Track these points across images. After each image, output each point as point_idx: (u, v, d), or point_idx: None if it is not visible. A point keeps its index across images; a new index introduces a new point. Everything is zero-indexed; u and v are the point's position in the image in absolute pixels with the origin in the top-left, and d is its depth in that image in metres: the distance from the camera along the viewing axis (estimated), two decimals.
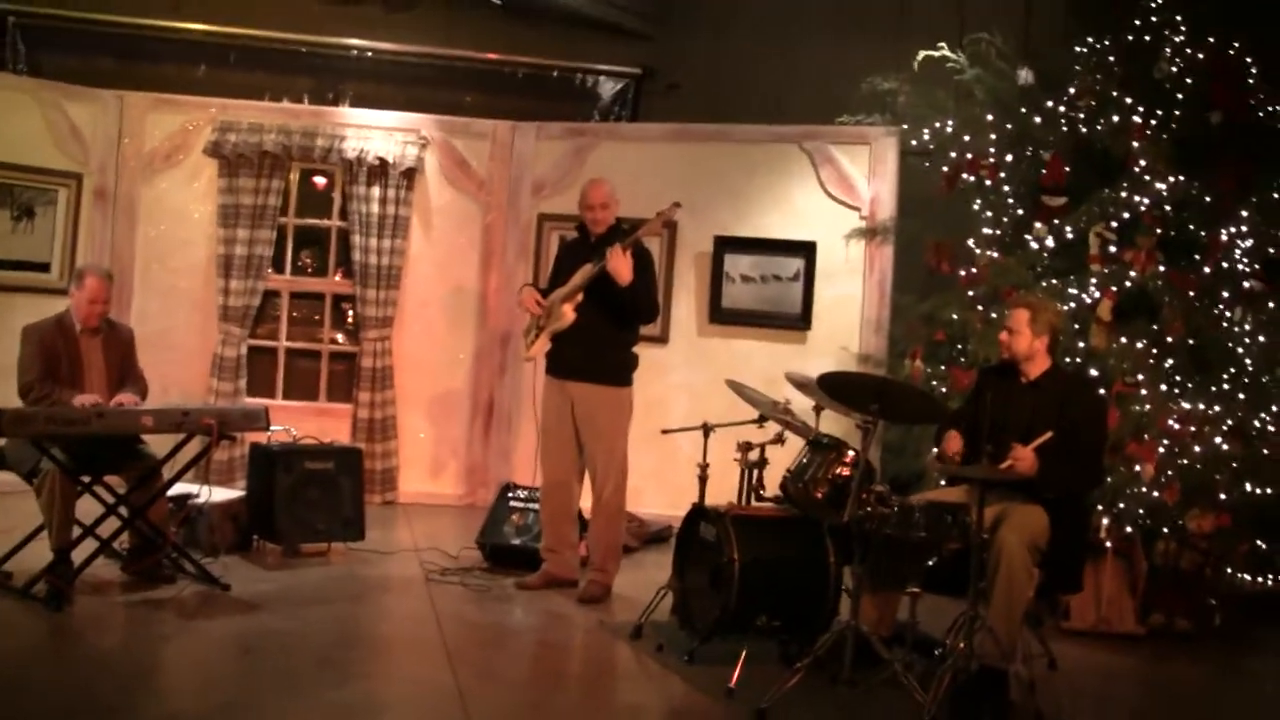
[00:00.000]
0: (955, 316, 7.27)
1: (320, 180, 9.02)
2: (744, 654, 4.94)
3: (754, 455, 5.66)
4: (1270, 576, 6.78)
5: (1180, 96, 7.06)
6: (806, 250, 8.39)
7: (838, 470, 5.06)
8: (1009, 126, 7.33)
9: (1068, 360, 6.67)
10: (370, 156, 8.63)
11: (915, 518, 4.80)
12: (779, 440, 5.73)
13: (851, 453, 5.09)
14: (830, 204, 8.38)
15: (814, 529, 5.27)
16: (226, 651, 5.14)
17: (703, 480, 5.93)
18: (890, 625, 5.29)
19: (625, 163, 8.68)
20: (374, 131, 8.75)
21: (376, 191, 8.69)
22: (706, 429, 5.95)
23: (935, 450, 5.38)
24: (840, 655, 4.81)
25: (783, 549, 5.25)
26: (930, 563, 4.93)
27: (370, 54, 9.61)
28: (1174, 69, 7.06)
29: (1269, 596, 6.80)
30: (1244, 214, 6.78)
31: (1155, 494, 6.28)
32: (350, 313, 8.98)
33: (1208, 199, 6.85)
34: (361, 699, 4.63)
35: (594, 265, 6.16)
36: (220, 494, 6.96)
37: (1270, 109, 7.01)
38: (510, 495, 7.10)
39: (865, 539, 4.87)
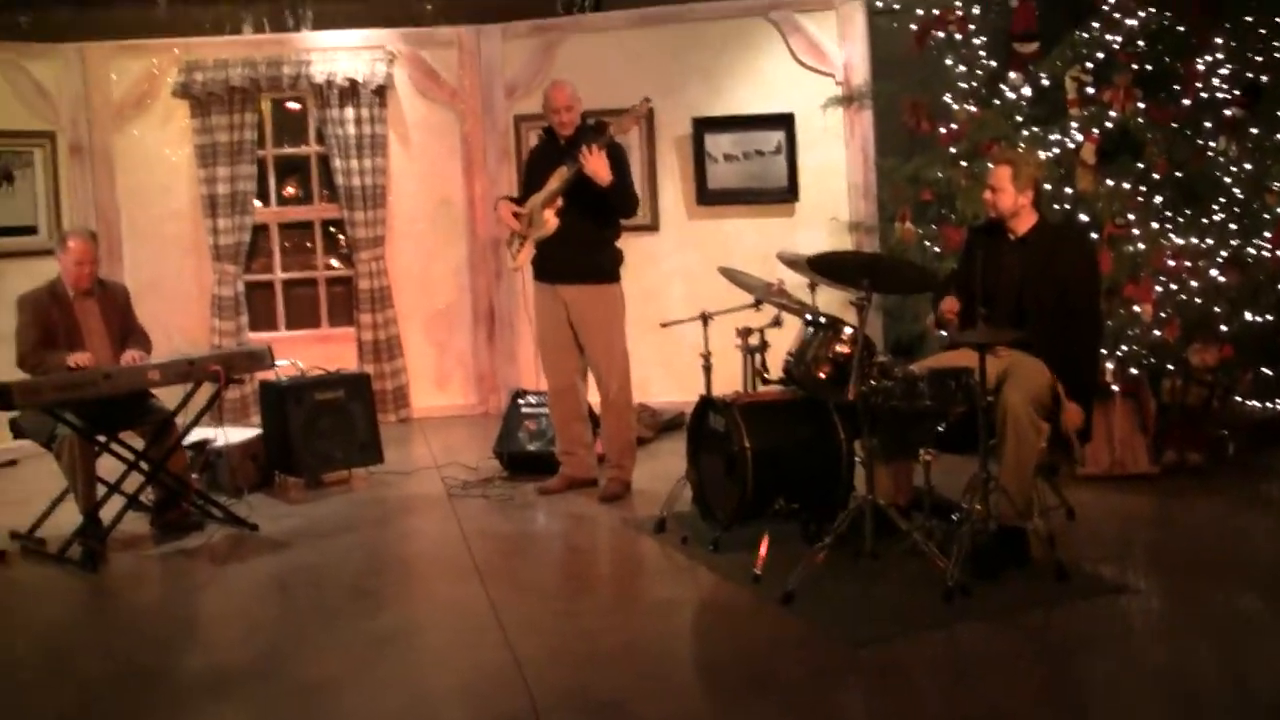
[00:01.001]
0: (940, 175, 7.24)
1: (294, 105, 8.95)
2: (765, 539, 5.04)
3: (754, 340, 5.71)
4: (1276, 401, 6.84)
5: None
6: (785, 122, 8.34)
7: (838, 348, 5.11)
8: None
9: (1056, 207, 6.67)
10: (339, 78, 8.55)
11: (919, 387, 4.83)
12: (776, 323, 5.76)
13: (850, 329, 5.12)
14: (804, 73, 8.30)
15: (821, 408, 5.32)
16: (262, 593, 5.25)
17: (707, 370, 5.98)
18: (907, 494, 5.37)
19: (594, 54, 8.62)
20: (339, 53, 8.65)
21: (350, 113, 8.62)
22: (705, 318, 5.99)
23: (933, 315, 5.42)
24: (860, 530, 4.91)
25: (792, 431, 5.32)
26: (940, 428, 5.03)
27: None
28: None
29: (1276, 421, 6.88)
30: (1219, 41, 6.69)
31: (1157, 333, 6.33)
32: (341, 237, 8.97)
33: (1180, 29, 6.76)
34: (399, 625, 4.75)
35: (569, 169, 6.13)
36: (237, 434, 7.04)
37: None
38: (521, 402, 7.17)
39: (872, 412, 4.93)
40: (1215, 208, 6.71)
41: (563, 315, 6.40)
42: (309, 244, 9.06)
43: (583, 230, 6.27)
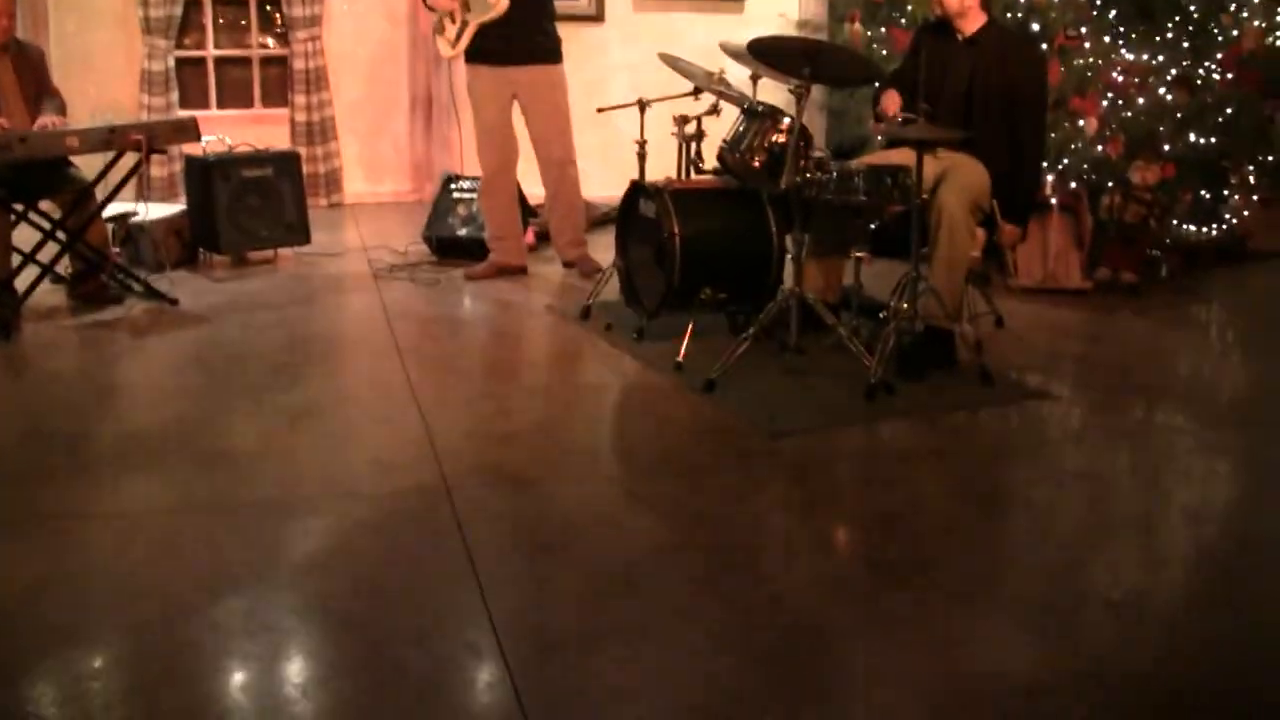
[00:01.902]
0: None
1: None
2: (690, 327, 5.00)
3: (690, 129, 5.59)
4: (1213, 226, 6.83)
5: None
6: None
7: (774, 138, 4.98)
8: None
9: (1009, 16, 6.52)
10: None
11: (855, 182, 4.73)
12: (714, 111, 5.64)
13: (787, 119, 5.00)
14: None
15: (754, 199, 5.24)
16: (179, 365, 5.17)
17: (641, 157, 5.89)
18: (836, 291, 5.34)
19: None
20: None
21: None
22: (642, 104, 5.87)
23: (873, 111, 5.30)
24: (787, 323, 4.88)
25: (723, 220, 5.24)
26: (872, 226, 4.97)
27: None
28: None
29: (1211, 245, 6.89)
30: None
31: (1099, 148, 6.25)
32: (277, 15, 8.64)
33: None
34: (314, 400, 4.70)
35: None
36: (161, 210, 6.87)
37: None
38: (453, 187, 7.04)
39: (806, 206, 4.86)
40: (1169, 26, 6.59)
41: (508, 99, 6.31)
42: (244, 21, 8.73)
43: (530, 11, 6.18)
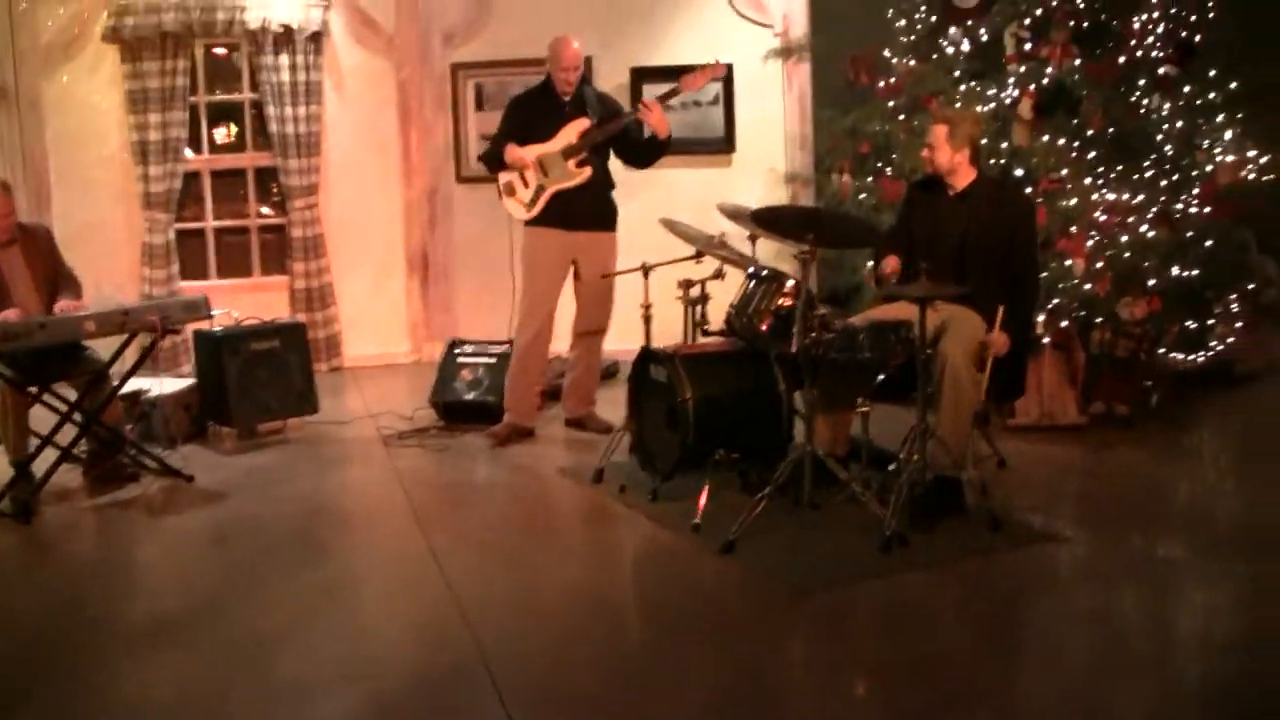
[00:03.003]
0: (878, 128, 7.29)
1: (220, 51, 8.81)
2: (705, 490, 5.08)
3: (695, 292, 5.75)
4: (1200, 353, 7.00)
5: None
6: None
7: (780, 301, 5.13)
8: None
9: (993, 162, 6.75)
10: (274, 24, 8.40)
11: (860, 339, 4.89)
12: (719, 275, 5.81)
13: (792, 282, 5.16)
14: (743, 24, 8.33)
15: (762, 359, 5.37)
16: (201, 544, 5.22)
17: (647, 321, 6.02)
18: (845, 443, 5.45)
19: (533, 3, 8.56)
20: None
21: (285, 59, 8.49)
22: (646, 270, 6.01)
23: (874, 272, 5.47)
24: (799, 480, 4.98)
25: (733, 382, 5.36)
26: (878, 379, 5.10)
27: None
28: None
29: (1199, 372, 7.05)
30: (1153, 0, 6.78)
31: (1088, 286, 6.43)
32: (274, 185, 8.86)
33: None
34: (340, 574, 4.76)
35: (593, 122, 6.35)
36: (171, 384, 6.97)
37: None
38: (457, 351, 7.16)
39: (813, 364, 4.97)
40: (1146, 164, 6.82)
41: (567, 262, 6.51)
42: (241, 192, 8.94)
43: (602, 179, 6.49)
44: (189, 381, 7.09)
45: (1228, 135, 6.83)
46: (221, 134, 8.91)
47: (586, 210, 6.42)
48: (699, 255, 5.91)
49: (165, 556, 5.14)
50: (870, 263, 5.67)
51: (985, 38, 6.92)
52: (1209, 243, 6.81)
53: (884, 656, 3.88)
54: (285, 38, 8.45)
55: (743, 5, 8.32)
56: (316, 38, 8.54)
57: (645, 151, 6.49)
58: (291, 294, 8.72)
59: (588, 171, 6.31)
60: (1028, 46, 6.85)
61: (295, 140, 8.56)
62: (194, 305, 6.18)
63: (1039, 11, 6.82)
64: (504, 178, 6.43)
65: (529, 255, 6.50)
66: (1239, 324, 7.06)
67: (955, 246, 5.32)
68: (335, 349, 8.85)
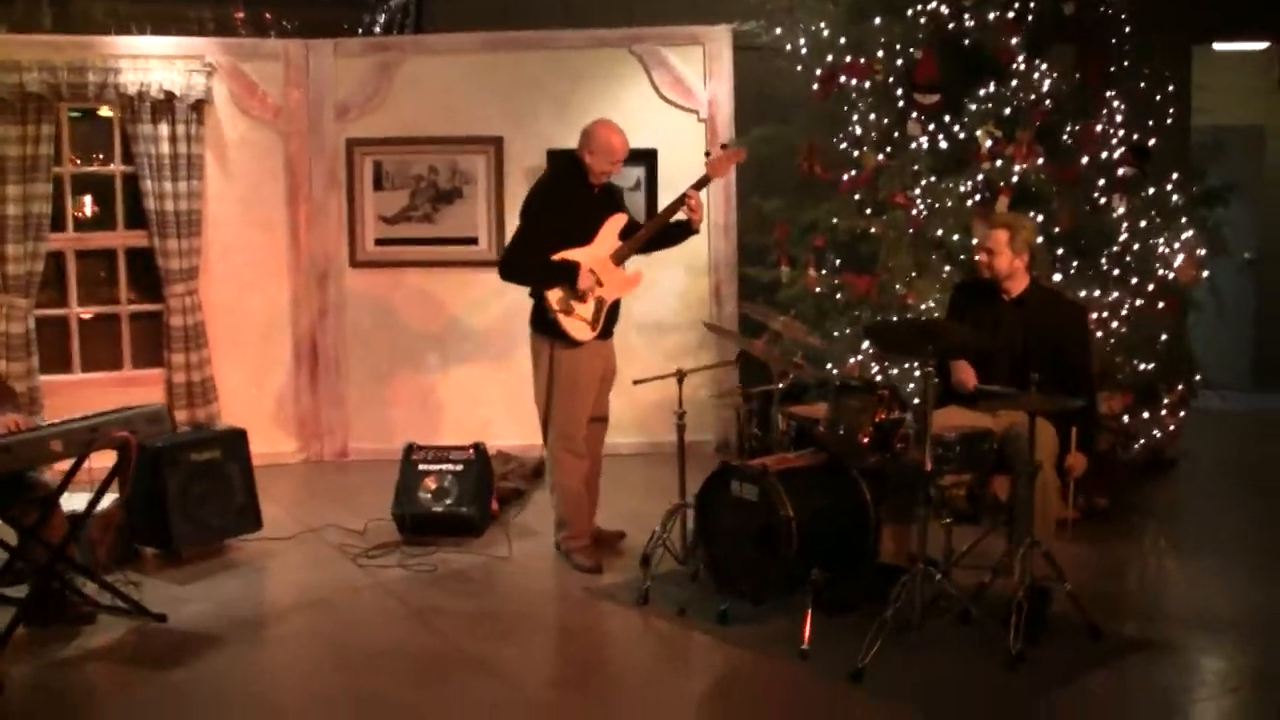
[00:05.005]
0: (836, 221, 7.19)
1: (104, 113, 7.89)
2: (809, 612, 4.80)
3: (752, 402, 5.48)
4: (1147, 442, 7.20)
5: None
6: (647, 158, 8.03)
7: (879, 413, 4.93)
8: (880, 22, 7.15)
9: (962, 258, 6.78)
10: (154, 90, 7.56)
11: (955, 450, 4.83)
12: (784, 378, 5.51)
13: (885, 391, 5.00)
14: (667, 108, 8.05)
15: (845, 472, 5.14)
16: (226, 707, 4.49)
17: (681, 429, 5.68)
18: (906, 556, 5.28)
19: (437, 77, 8.11)
20: (153, 61, 7.61)
21: (164, 129, 7.63)
22: (681, 375, 5.65)
23: (950, 382, 5.34)
24: (881, 595, 4.77)
25: (825, 498, 5.09)
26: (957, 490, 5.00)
27: None
28: None
29: (1147, 461, 7.28)
30: (1116, 104, 6.96)
31: None
32: (147, 267, 7.93)
33: (1068, 87, 6.99)
34: None
35: (629, 217, 5.90)
36: (82, 500, 6.05)
37: None
38: (416, 458, 6.55)
39: (900, 475, 4.86)
40: (1103, 260, 6.98)
41: (601, 371, 5.93)
42: (103, 274, 7.99)
43: None
44: (110, 497, 6.17)
45: (1185, 235, 7.06)
46: (84, 208, 7.96)
47: (613, 316, 5.90)
48: (740, 359, 5.63)
49: None
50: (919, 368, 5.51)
51: (961, 135, 6.90)
52: (1164, 337, 7.01)
53: None
54: (165, 105, 7.62)
55: (667, 89, 8.05)
56: (199, 106, 7.73)
57: (673, 244, 6.01)
58: (169, 388, 7.82)
59: (639, 276, 5.85)
60: (989, 144, 6.89)
61: (175, 218, 7.70)
62: (157, 417, 5.36)
63: (1006, 111, 6.87)
64: (555, 295, 5.69)
65: (573, 372, 5.77)
66: (1181, 413, 7.30)
67: (1017, 354, 5.26)
68: None
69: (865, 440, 4.91)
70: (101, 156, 7.99)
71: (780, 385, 5.49)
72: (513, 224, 7.91)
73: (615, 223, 5.83)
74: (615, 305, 5.86)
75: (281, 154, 8.07)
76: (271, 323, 8.14)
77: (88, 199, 8.04)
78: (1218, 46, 9.42)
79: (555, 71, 8.10)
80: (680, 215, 5.81)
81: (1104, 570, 5.91)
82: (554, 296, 5.68)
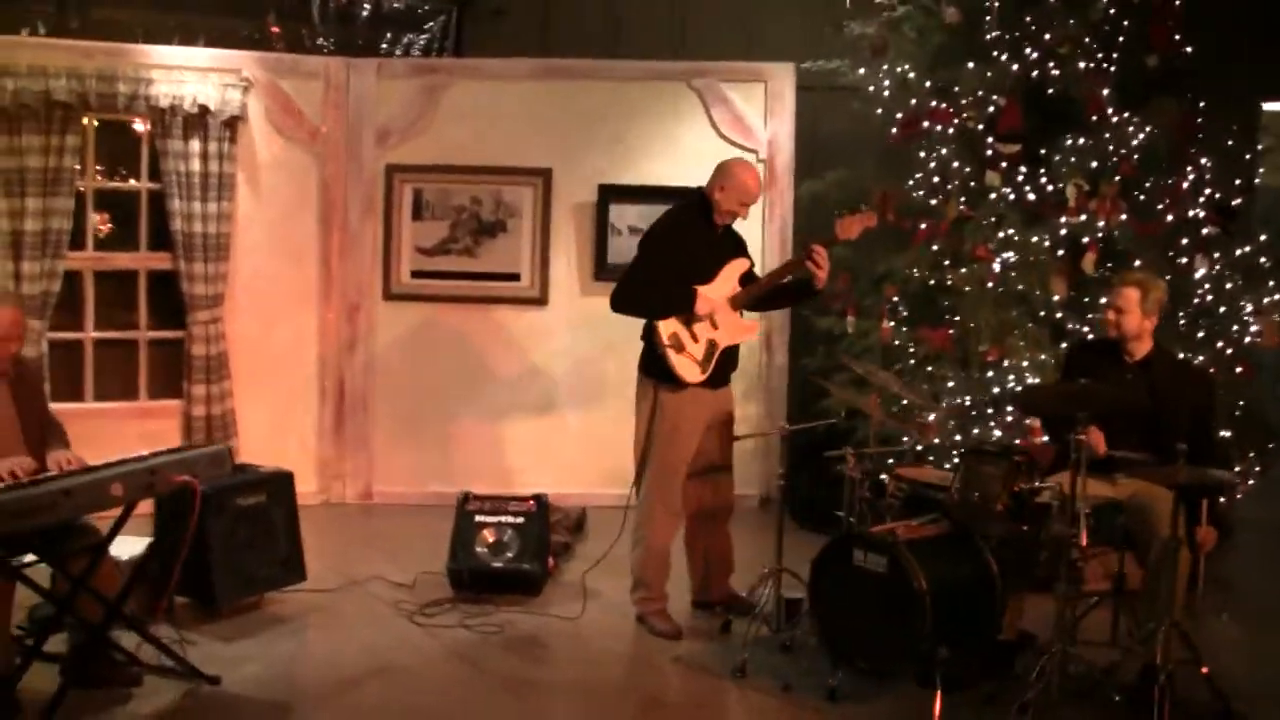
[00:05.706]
0: (913, 273, 6.87)
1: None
2: (938, 695, 4.45)
3: (866, 465, 5.11)
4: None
5: (1121, 39, 6.88)
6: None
7: (1017, 481, 4.61)
8: (972, 66, 6.86)
9: (1043, 315, 6.53)
10: (187, 103, 7.10)
11: (1091, 523, 4.51)
12: (909, 448, 5.18)
13: (1022, 457, 4.68)
14: (724, 146, 7.63)
15: (971, 541, 4.79)
16: None
17: (783, 490, 5.30)
18: (1014, 629, 4.98)
19: (486, 104, 7.70)
20: (187, 73, 7.17)
21: (195, 145, 7.18)
22: (784, 434, 5.28)
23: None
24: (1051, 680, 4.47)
25: (955, 570, 4.73)
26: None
27: None
28: (1110, 9, 6.89)
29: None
30: (1204, 161, 6.73)
31: None
32: (169, 293, 7.43)
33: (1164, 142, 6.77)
34: None
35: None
36: (120, 547, 5.56)
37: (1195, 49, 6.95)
38: (471, 508, 6.11)
39: (1046, 547, 4.62)
40: (1181, 321, 6.73)
41: (708, 420, 5.51)
42: (126, 297, 7.47)
43: None
44: (141, 543, 5.67)
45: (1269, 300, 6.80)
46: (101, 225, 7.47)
47: (730, 363, 5.54)
48: (849, 414, 5.30)
49: None
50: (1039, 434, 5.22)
51: (1050, 187, 6.62)
52: (1240, 402, 6.76)
53: None
54: (198, 120, 7.16)
55: (726, 127, 7.69)
56: (233, 123, 7.28)
57: (793, 303, 5.83)
58: (187, 421, 7.33)
59: (757, 324, 5.46)
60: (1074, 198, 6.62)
61: (203, 241, 7.24)
62: (219, 459, 4.96)
63: (1093, 164, 6.60)
64: (667, 329, 5.33)
65: (675, 418, 5.37)
66: (1250, 481, 7.04)
67: (1144, 419, 4.97)
68: None
69: (1001, 508, 4.58)
70: (125, 172, 7.51)
71: (915, 445, 5.15)
72: (558, 261, 7.74)
73: (737, 266, 5.48)
74: (731, 353, 5.50)
75: (316, 177, 7.62)
76: (297, 355, 7.67)
77: (104, 217, 7.53)
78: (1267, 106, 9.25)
79: (609, 103, 7.73)
80: (800, 273, 5.44)
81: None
82: (665, 331, 5.32)
